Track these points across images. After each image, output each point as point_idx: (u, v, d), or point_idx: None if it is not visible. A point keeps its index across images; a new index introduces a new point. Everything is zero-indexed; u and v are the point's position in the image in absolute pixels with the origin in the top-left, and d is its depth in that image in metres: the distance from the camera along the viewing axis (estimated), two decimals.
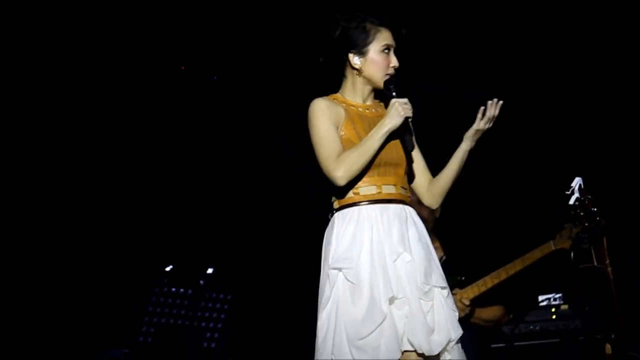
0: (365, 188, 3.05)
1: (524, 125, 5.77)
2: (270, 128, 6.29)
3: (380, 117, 3.11)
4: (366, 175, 3.05)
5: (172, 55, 6.19)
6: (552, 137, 5.74)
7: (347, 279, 2.94)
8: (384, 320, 2.86)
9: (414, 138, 3.09)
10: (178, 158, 6.49)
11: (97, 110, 6.26)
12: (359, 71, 3.14)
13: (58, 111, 6.20)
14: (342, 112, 3.12)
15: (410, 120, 3.03)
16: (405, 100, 3.03)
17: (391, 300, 2.89)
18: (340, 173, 2.97)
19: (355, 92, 3.18)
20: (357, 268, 2.94)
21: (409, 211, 3.08)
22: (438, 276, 3.01)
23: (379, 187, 3.05)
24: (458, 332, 2.98)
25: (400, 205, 3.06)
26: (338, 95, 3.20)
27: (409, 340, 2.90)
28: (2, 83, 5.97)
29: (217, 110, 6.45)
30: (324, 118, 3.06)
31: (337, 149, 3.01)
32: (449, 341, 2.95)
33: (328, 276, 2.97)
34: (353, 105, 3.16)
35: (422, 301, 2.94)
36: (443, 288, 3.01)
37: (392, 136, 3.04)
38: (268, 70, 6.13)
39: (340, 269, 2.96)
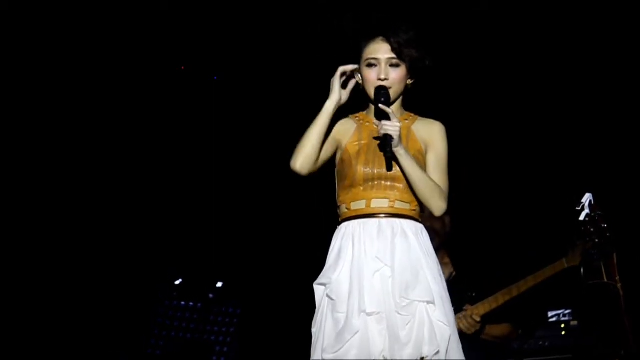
0: (355, 203, 3.08)
1: (534, 141, 5.77)
2: (276, 132, 6.21)
3: (406, 128, 3.13)
4: (361, 191, 3.08)
5: (172, 55, 6.12)
6: (562, 152, 5.73)
7: (327, 295, 2.98)
8: (354, 335, 2.88)
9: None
10: (185, 167, 6.45)
11: (97, 113, 6.19)
12: (363, 87, 3.18)
13: (58, 112, 6.14)
14: (352, 127, 3.19)
15: (389, 138, 3.00)
16: (393, 123, 3.00)
17: (369, 314, 2.90)
18: (293, 163, 3.07)
19: (371, 108, 3.20)
20: (336, 284, 2.97)
21: (404, 225, 3.06)
22: (424, 290, 2.96)
23: (368, 201, 3.07)
24: (432, 347, 2.91)
25: (392, 219, 3.06)
26: (362, 113, 3.25)
27: (383, 356, 2.91)
28: (2, 83, 5.95)
29: (217, 112, 6.38)
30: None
31: None
32: (423, 356, 2.93)
33: (316, 292, 3.03)
34: (368, 122, 3.19)
35: (399, 315, 2.91)
36: (429, 302, 2.95)
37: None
38: (269, 70, 6.08)
39: (324, 285, 3.01)
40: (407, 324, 2.91)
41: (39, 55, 5.88)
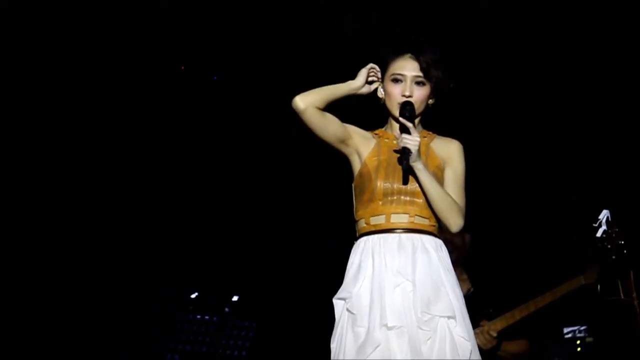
0: (375, 218, 3.09)
1: (552, 158, 5.76)
2: (278, 134, 6.09)
3: (425, 145, 3.14)
4: (380, 205, 3.09)
5: (172, 55, 6.10)
6: (581, 169, 5.71)
7: (348, 309, 2.99)
8: (375, 349, 2.89)
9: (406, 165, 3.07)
10: (194, 175, 6.41)
11: (97, 113, 6.17)
12: (383, 102, 3.19)
13: (58, 112, 6.11)
14: (372, 142, 3.19)
15: (407, 152, 3.03)
16: (413, 137, 3.02)
17: (390, 328, 2.91)
18: (296, 96, 3.08)
19: (390, 124, 3.22)
20: (357, 298, 2.98)
21: (424, 240, 3.08)
22: (445, 305, 2.98)
23: (387, 215, 3.08)
24: None
25: (412, 234, 3.07)
26: (381, 130, 3.26)
27: None
28: (2, 83, 5.93)
29: (218, 113, 6.34)
30: (349, 125, 3.18)
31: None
32: None
33: (335, 307, 3.04)
34: (387, 138, 3.21)
35: (420, 330, 2.93)
36: (450, 318, 2.97)
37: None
38: (269, 70, 6.03)
39: (344, 299, 3.02)
40: (428, 339, 2.93)
41: (39, 55, 5.87)
